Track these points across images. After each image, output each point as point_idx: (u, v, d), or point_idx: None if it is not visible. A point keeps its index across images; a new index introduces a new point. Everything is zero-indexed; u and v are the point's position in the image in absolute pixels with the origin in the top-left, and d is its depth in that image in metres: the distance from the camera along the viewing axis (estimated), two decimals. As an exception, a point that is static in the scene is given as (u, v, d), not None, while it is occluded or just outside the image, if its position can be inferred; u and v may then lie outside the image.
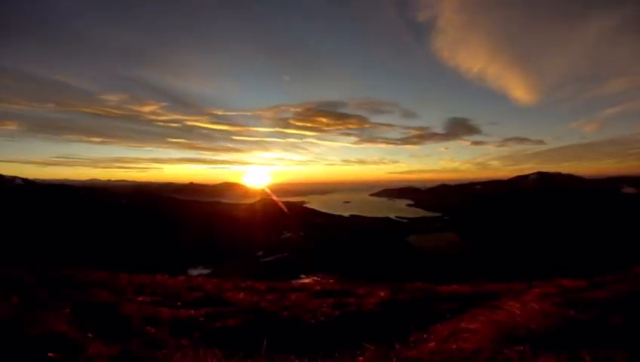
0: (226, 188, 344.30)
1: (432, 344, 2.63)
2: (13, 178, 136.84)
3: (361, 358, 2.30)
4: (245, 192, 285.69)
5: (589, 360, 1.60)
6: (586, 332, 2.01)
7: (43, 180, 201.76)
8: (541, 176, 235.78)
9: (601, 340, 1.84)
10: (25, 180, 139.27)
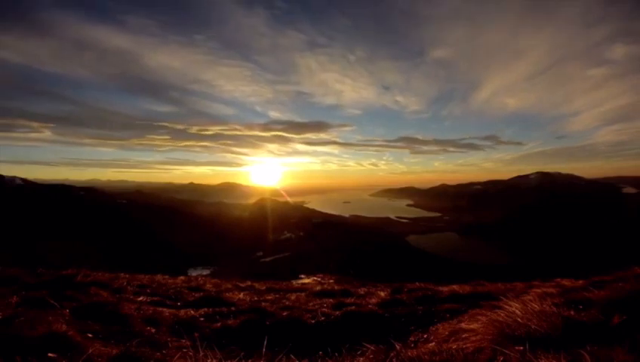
0: (226, 188, 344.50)
1: (432, 344, 2.63)
2: (13, 178, 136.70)
3: (361, 358, 2.29)
4: (245, 193, 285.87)
5: (589, 360, 1.59)
6: (586, 332, 2.01)
7: (43, 180, 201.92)
8: (542, 175, 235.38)
9: (601, 340, 1.84)
10: (25, 180, 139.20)
